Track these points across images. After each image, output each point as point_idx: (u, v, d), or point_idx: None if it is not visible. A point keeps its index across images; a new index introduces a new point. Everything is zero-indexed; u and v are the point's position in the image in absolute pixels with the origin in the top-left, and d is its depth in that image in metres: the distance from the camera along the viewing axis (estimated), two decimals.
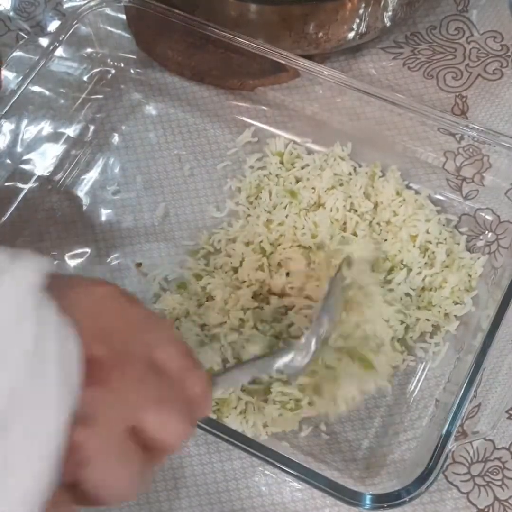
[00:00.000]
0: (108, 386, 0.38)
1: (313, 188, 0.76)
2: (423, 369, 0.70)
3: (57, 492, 0.36)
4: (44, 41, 0.80)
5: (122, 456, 0.38)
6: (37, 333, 0.35)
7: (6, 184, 0.79)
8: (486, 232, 0.76)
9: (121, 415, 0.39)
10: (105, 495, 0.38)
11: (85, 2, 0.81)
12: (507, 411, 0.69)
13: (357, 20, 0.81)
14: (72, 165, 0.82)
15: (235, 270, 0.73)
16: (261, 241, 0.73)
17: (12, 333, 0.34)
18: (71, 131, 0.84)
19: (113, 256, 0.77)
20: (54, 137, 0.83)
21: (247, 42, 0.77)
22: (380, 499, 0.58)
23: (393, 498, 0.58)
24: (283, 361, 0.54)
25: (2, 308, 0.34)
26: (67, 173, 0.81)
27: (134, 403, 0.39)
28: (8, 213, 0.78)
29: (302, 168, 0.79)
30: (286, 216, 0.74)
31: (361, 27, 0.82)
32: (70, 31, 0.80)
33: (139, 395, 0.40)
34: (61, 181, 0.81)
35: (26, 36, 0.91)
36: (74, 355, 0.36)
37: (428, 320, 0.71)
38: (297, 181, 0.78)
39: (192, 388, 0.43)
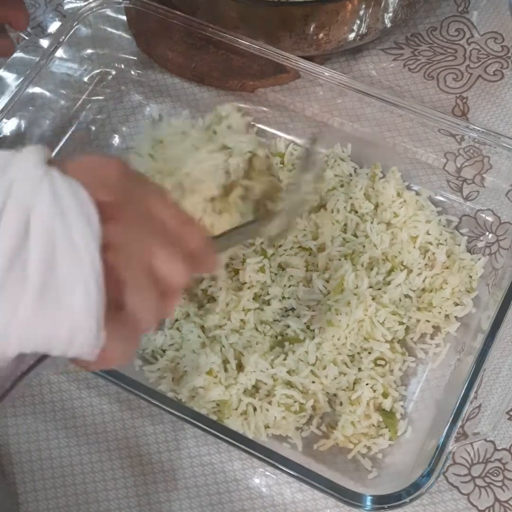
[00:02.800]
0: (123, 221, 0.44)
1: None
2: (424, 370, 0.70)
3: (108, 312, 0.42)
4: (44, 42, 0.80)
5: (149, 280, 0.44)
6: (50, 187, 0.42)
7: None
8: (487, 233, 0.76)
9: (137, 242, 0.44)
10: (142, 317, 0.44)
11: (86, 3, 0.81)
12: (507, 412, 0.69)
13: (358, 21, 0.81)
14: None
15: (236, 272, 0.73)
16: (262, 243, 0.73)
17: (36, 192, 0.41)
18: (72, 132, 0.84)
19: None
20: (55, 138, 0.83)
21: (247, 43, 0.78)
22: (380, 500, 0.58)
23: (393, 499, 0.58)
24: (267, 226, 0.63)
25: (22, 179, 0.41)
26: None
27: (146, 237, 0.45)
28: None
29: None
30: None
31: (361, 28, 0.82)
32: (71, 32, 0.80)
33: (149, 232, 0.45)
34: None
35: (26, 38, 0.90)
36: (85, 198, 0.42)
37: (428, 321, 0.71)
38: None
39: (191, 241, 0.47)
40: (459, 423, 0.61)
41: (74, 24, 0.80)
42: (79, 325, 0.41)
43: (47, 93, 0.81)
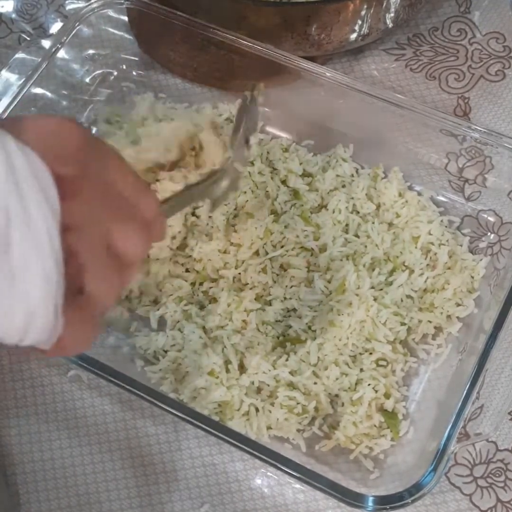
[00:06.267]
0: (80, 199, 0.41)
1: (316, 190, 0.76)
2: (425, 371, 0.70)
3: (66, 296, 0.40)
4: (46, 43, 0.80)
5: (108, 260, 0.43)
6: (4, 157, 0.37)
7: None
8: (489, 233, 0.76)
9: (97, 222, 0.42)
10: (101, 299, 0.43)
11: (87, 4, 0.81)
12: (510, 413, 0.69)
13: (359, 22, 0.81)
14: None
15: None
16: (264, 244, 0.73)
17: None
18: None
19: None
20: None
21: (249, 43, 0.78)
22: (382, 501, 0.58)
23: (395, 499, 0.58)
24: (214, 185, 0.64)
25: None
26: None
27: (104, 214, 0.43)
28: None
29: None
30: (292, 218, 0.74)
31: (363, 29, 0.82)
32: (72, 33, 0.80)
33: (107, 208, 0.43)
34: None
35: (28, 38, 0.91)
36: (43, 171, 0.39)
37: (430, 322, 0.71)
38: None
39: (146, 210, 0.45)
40: (461, 424, 0.61)
41: (76, 25, 0.80)
42: (36, 311, 0.38)
43: (49, 94, 0.81)
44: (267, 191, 0.76)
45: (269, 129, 0.83)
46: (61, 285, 0.39)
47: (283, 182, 0.77)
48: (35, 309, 0.38)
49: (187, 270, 0.73)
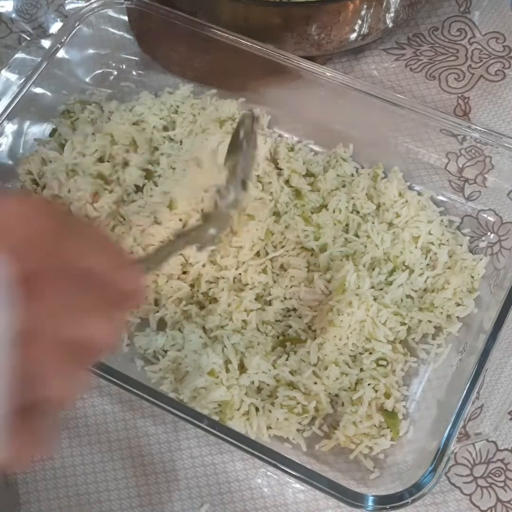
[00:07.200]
0: (45, 298, 0.38)
1: (318, 190, 0.76)
2: (426, 371, 0.70)
3: (15, 418, 0.36)
4: (46, 43, 0.80)
5: (69, 358, 0.39)
6: None
7: (8, 186, 0.79)
8: (489, 233, 0.76)
9: (57, 326, 0.39)
10: (57, 403, 0.40)
11: (87, 3, 0.81)
12: (510, 413, 0.69)
13: (359, 22, 0.81)
14: None
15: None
16: (266, 245, 0.73)
17: None
18: None
19: None
20: None
21: (249, 43, 0.78)
22: (382, 501, 0.58)
23: (395, 499, 0.58)
24: (204, 232, 0.60)
25: None
26: None
27: (67, 313, 0.39)
28: None
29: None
30: (292, 218, 0.74)
31: (363, 29, 0.82)
32: (72, 33, 0.80)
33: (70, 305, 0.40)
34: None
35: (28, 38, 0.91)
36: (3, 272, 0.35)
37: (430, 321, 0.71)
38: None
39: (123, 285, 0.43)
40: (461, 424, 0.61)
41: (76, 25, 0.80)
42: None
43: (49, 94, 0.81)
44: (271, 192, 0.76)
45: (269, 129, 0.83)
46: (6, 410, 0.35)
47: (287, 182, 0.77)
48: None
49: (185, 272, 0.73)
